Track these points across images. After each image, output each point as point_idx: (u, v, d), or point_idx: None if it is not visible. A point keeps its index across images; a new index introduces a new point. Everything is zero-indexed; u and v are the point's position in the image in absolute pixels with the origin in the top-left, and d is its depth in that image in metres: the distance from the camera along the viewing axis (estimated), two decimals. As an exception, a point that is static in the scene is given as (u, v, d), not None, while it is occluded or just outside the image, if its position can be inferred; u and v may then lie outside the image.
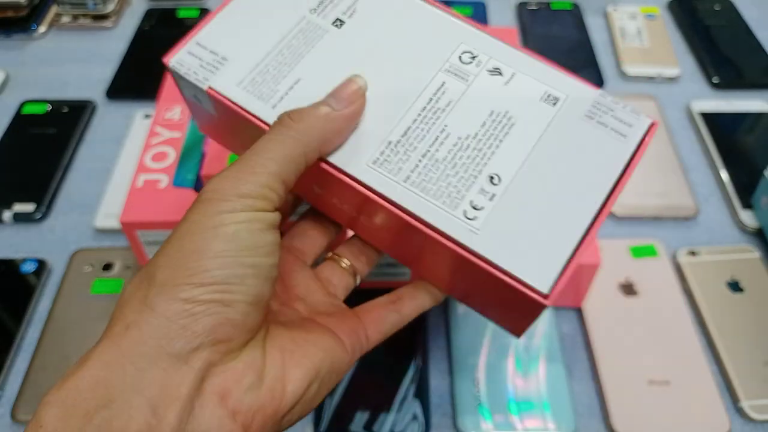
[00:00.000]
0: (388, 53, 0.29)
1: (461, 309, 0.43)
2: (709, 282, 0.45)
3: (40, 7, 0.68)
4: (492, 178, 0.26)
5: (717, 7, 0.68)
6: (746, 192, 0.51)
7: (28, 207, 0.50)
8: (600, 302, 0.44)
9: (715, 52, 0.64)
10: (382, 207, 0.26)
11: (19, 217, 0.49)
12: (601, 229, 0.49)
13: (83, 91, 0.60)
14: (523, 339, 0.42)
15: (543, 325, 0.43)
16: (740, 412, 0.40)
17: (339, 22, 0.30)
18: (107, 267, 0.46)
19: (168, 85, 0.48)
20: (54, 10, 0.68)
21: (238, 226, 0.22)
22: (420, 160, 0.26)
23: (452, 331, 0.43)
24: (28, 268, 0.46)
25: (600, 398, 0.40)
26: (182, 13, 0.68)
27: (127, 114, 0.58)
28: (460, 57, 0.29)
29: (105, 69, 0.62)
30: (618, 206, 0.50)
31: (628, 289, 0.45)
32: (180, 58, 0.29)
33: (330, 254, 0.32)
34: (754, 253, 0.47)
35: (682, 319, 0.43)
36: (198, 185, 0.42)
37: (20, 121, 0.57)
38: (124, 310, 0.22)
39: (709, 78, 0.61)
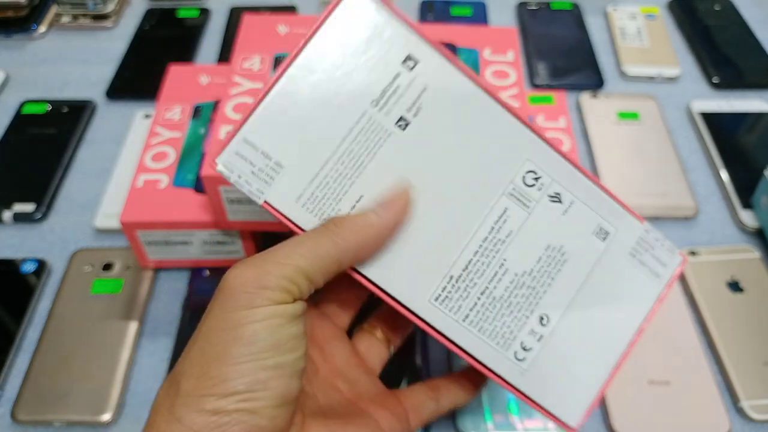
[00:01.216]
0: (455, 165, 0.27)
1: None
2: (709, 282, 0.45)
3: (40, 7, 0.68)
4: (542, 318, 0.27)
5: (717, 7, 0.68)
6: (746, 192, 0.51)
7: (28, 207, 0.50)
8: (600, 302, 0.44)
9: (715, 52, 0.63)
10: (438, 338, 0.27)
11: (19, 217, 0.49)
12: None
13: (83, 91, 0.60)
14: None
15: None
16: (740, 412, 0.40)
17: (403, 123, 0.26)
18: (107, 267, 0.46)
19: (168, 84, 0.49)
20: (54, 10, 0.68)
21: (257, 325, 0.22)
22: (479, 298, 0.27)
23: (452, 331, 0.42)
24: (28, 268, 0.46)
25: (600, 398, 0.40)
26: (182, 13, 0.68)
27: (127, 114, 0.58)
28: (524, 178, 0.27)
29: (105, 69, 0.62)
30: (618, 206, 0.50)
31: (628, 289, 0.45)
32: (228, 161, 0.26)
33: (365, 325, 0.32)
34: (754, 253, 0.47)
35: (682, 319, 0.43)
36: (198, 185, 0.42)
37: (20, 121, 0.57)
38: (156, 418, 0.22)
39: (709, 78, 0.61)
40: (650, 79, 0.62)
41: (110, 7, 0.67)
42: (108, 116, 0.58)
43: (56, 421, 0.39)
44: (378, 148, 0.26)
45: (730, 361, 0.41)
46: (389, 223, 0.25)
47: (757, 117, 0.57)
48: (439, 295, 0.26)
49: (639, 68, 0.62)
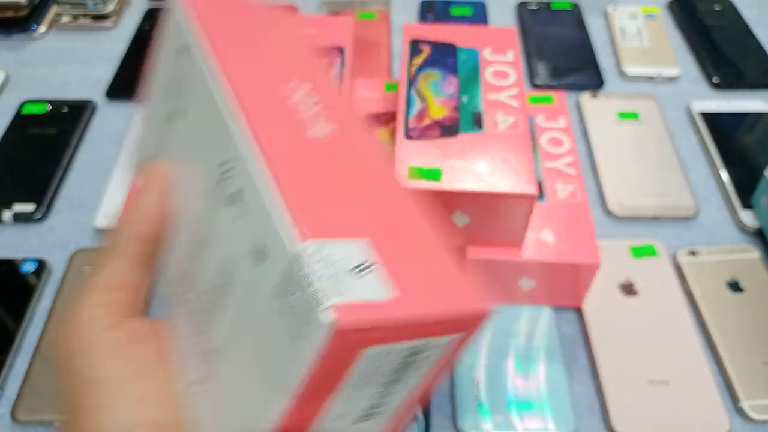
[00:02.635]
0: (189, 165, 0.25)
1: (461, 309, 0.43)
2: (709, 282, 0.45)
3: (40, 7, 0.68)
4: (206, 354, 0.22)
5: (717, 7, 0.68)
6: (746, 192, 0.51)
7: (28, 207, 0.50)
8: (600, 302, 0.44)
9: (715, 52, 0.63)
10: None
11: (19, 217, 0.49)
12: (601, 229, 0.49)
13: (83, 91, 0.60)
14: (523, 339, 0.42)
15: (543, 325, 0.43)
16: (740, 412, 0.40)
17: (170, 117, 0.27)
18: (107, 267, 0.46)
19: None
20: (54, 10, 0.68)
21: None
22: (186, 307, 0.24)
23: (452, 331, 0.42)
24: (28, 268, 0.46)
25: (600, 398, 0.40)
26: (182, 13, 0.68)
27: (127, 114, 0.58)
28: (221, 170, 0.23)
29: (105, 69, 0.62)
30: (618, 206, 0.50)
31: (628, 289, 0.45)
32: None
33: None
34: (754, 253, 0.47)
35: (682, 319, 0.43)
36: None
37: (20, 121, 0.57)
38: None
39: (709, 78, 0.61)
40: (650, 79, 0.61)
41: (110, 7, 0.67)
42: (108, 116, 0.58)
43: (56, 421, 0.39)
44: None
45: (730, 361, 0.41)
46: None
47: (757, 117, 0.57)
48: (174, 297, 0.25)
49: (639, 68, 0.62)
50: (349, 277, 0.18)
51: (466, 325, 0.21)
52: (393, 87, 0.48)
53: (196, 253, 0.23)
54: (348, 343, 0.18)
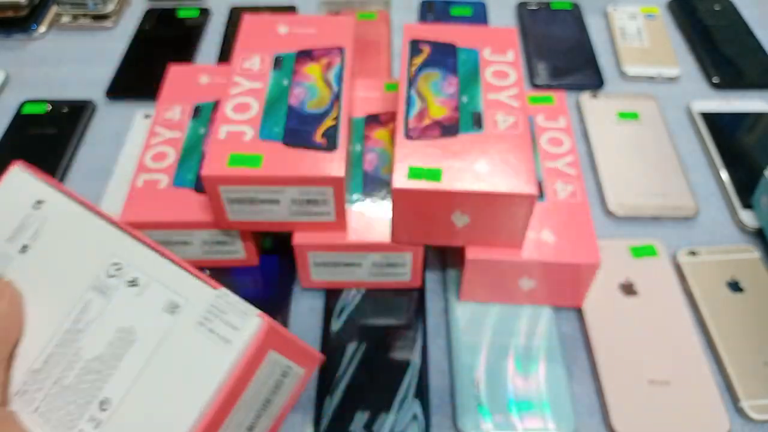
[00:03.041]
0: (56, 271, 0.31)
1: (461, 309, 0.43)
2: (709, 282, 0.45)
3: (40, 7, 0.68)
4: (102, 403, 0.27)
5: (717, 7, 0.68)
6: (746, 192, 0.51)
7: (28, 207, 0.50)
8: (600, 302, 0.44)
9: (715, 52, 0.63)
10: None
11: (19, 217, 0.49)
12: (601, 229, 0.49)
13: (83, 91, 0.60)
14: (523, 339, 0.42)
15: (543, 325, 0.43)
16: (740, 412, 0.40)
17: (25, 248, 0.32)
18: (107, 267, 0.46)
19: (168, 85, 0.49)
20: (54, 10, 0.68)
21: None
22: (51, 389, 0.28)
23: (452, 331, 0.42)
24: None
25: (600, 398, 0.40)
26: (182, 13, 0.68)
27: (127, 114, 0.58)
28: (107, 270, 0.30)
29: (105, 69, 0.62)
30: (618, 206, 0.50)
31: (628, 289, 0.45)
32: None
33: None
34: (754, 253, 0.47)
35: (682, 319, 0.43)
36: (198, 185, 0.42)
37: (20, 121, 0.57)
38: None
39: (709, 78, 0.61)
40: (650, 79, 0.62)
41: (110, 7, 0.67)
42: (108, 116, 0.58)
43: None
44: (1, 272, 0.31)
45: (730, 361, 0.41)
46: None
47: (757, 117, 0.57)
48: (19, 390, 0.28)
49: (639, 68, 0.62)
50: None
51: (310, 365, 0.32)
52: (393, 87, 0.48)
53: (70, 339, 0.29)
54: (267, 340, 0.27)
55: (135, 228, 0.36)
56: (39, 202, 0.33)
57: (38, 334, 0.29)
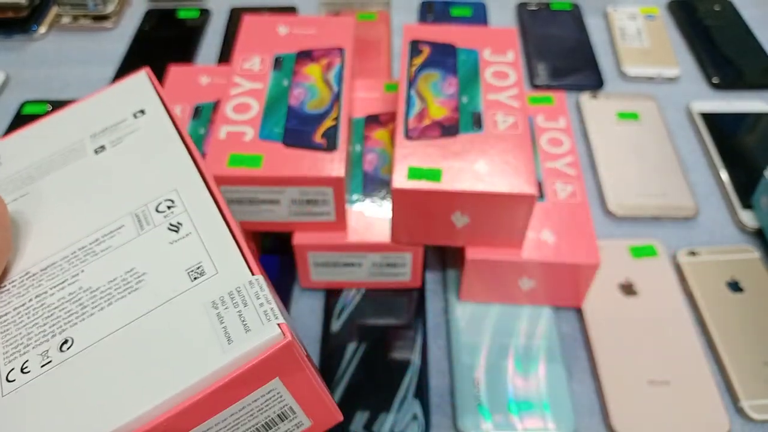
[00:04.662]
0: (111, 185, 0.28)
1: (461, 309, 0.43)
2: (709, 282, 0.45)
3: (41, 8, 0.68)
4: (65, 342, 0.23)
5: (717, 7, 0.69)
6: (746, 192, 0.51)
7: (28, 207, 0.50)
8: (600, 302, 0.44)
9: (715, 52, 0.64)
10: None
11: (19, 218, 0.49)
12: (601, 229, 0.49)
13: (83, 91, 0.60)
14: (523, 339, 0.42)
15: (543, 325, 0.43)
16: (740, 412, 0.40)
17: (101, 149, 0.30)
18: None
19: (168, 85, 0.49)
20: (54, 10, 0.68)
21: None
22: (31, 300, 0.25)
23: (452, 331, 0.43)
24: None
25: (600, 398, 0.40)
26: (182, 14, 0.68)
27: (128, 114, 0.58)
28: (159, 204, 0.27)
29: (105, 69, 0.62)
30: (618, 206, 0.50)
31: (628, 289, 0.45)
32: None
33: None
34: (754, 253, 0.47)
35: (682, 319, 0.43)
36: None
37: (20, 121, 0.57)
38: None
39: (709, 78, 0.61)
40: (650, 79, 0.62)
41: (110, 8, 0.67)
42: (108, 117, 0.58)
43: None
44: (68, 163, 0.29)
45: (730, 361, 0.41)
46: None
47: (757, 117, 0.57)
48: (3, 286, 0.25)
49: (639, 68, 0.62)
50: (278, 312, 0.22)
51: (322, 421, 0.25)
52: (393, 87, 0.48)
53: (79, 258, 0.26)
54: (277, 360, 0.22)
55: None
56: (141, 112, 0.31)
57: (53, 240, 0.27)
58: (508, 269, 0.41)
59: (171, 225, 0.26)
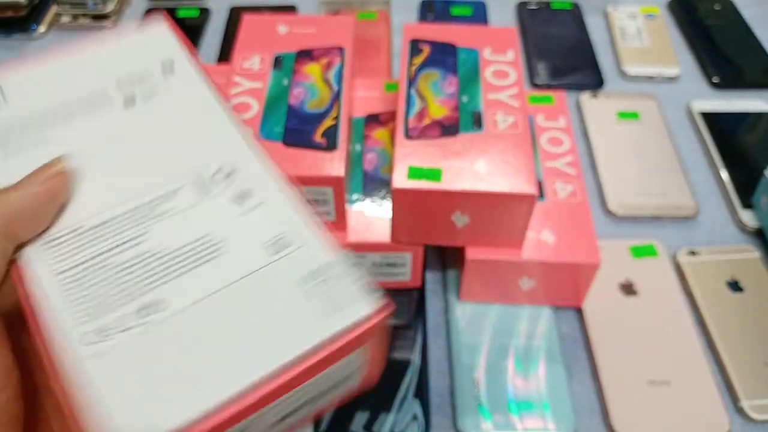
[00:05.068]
0: (152, 146, 0.26)
1: (461, 309, 0.43)
2: (709, 282, 0.45)
3: (40, 7, 0.68)
4: (152, 304, 0.22)
5: (717, 7, 0.68)
6: (746, 192, 0.51)
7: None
8: (600, 302, 0.44)
9: (715, 51, 0.63)
10: (21, 292, 0.23)
11: (18, 217, 0.49)
12: (601, 229, 0.49)
13: (83, 91, 0.60)
14: (523, 339, 0.42)
15: (543, 325, 0.43)
16: (740, 412, 0.40)
17: (130, 101, 0.27)
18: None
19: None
20: (54, 10, 0.68)
21: None
22: (94, 258, 0.23)
23: (452, 331, 0.42)
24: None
25: (600, 398, 0.40)
26: (182, 13, 0.68)
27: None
28: (216, 170, 0.26)
29: (105, 69, 0.62)
30: (618, 206, 0.50)
31: (628, 289, 0.45)
32: None
33: None
34: (754, 253, 0.47)
35: (682, 319, 0.43)
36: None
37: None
38: None
39: (709, 78, 0.61)
40: (650, 78, 0.61)
41: (110, 7, 0.67)
42: (108, 116, 0.58)
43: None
44: (93, 112, 0.27)
45: (730, 361, 0.41)
46: (39, 192, 0.23)
47: (757, 117, 0.57)
48: (55, 239, 0.23)
49: (639, 68, 0.62)
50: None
51: (366, 379, 0.26)
52: (393, 87, 0.48)
53: (140, 216, 0.24)
54: (369, 334, 0.22)
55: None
56: (170, 65, 0.29)
57: (101, 195, 0.24)
58: (508, 269, 0.41)
59: (236, 195, 0.25)
